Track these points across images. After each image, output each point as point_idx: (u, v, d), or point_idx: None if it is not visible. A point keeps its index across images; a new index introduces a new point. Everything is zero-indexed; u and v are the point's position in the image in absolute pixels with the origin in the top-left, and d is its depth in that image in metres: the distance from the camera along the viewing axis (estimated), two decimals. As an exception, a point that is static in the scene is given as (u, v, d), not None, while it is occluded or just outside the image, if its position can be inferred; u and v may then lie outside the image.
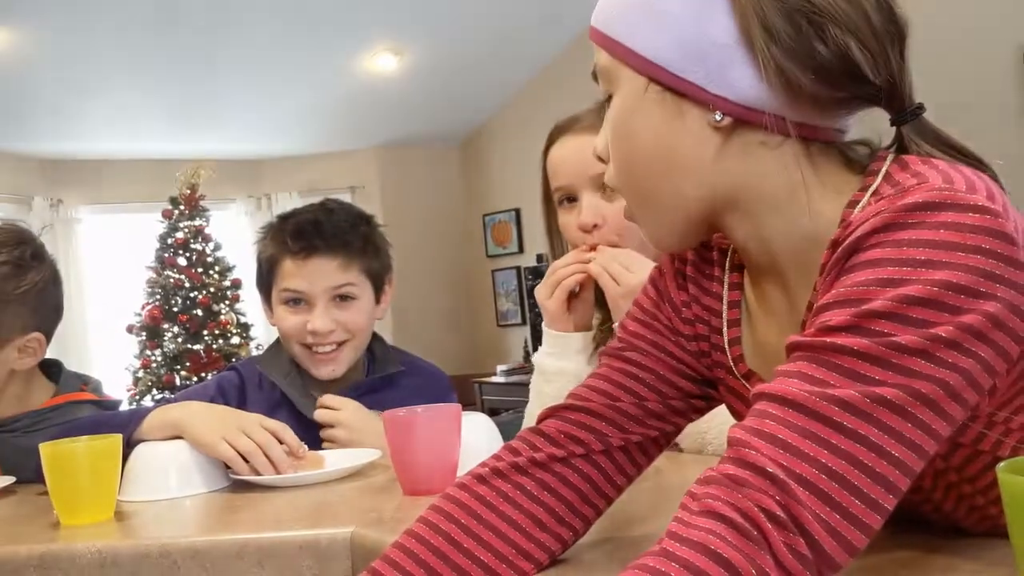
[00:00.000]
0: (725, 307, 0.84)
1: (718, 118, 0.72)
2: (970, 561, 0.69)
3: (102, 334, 6.37)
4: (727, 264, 0.84)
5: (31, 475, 1.30)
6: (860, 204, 0.69)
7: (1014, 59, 3.64)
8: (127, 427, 1.30)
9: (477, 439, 1.26)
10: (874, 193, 0.69)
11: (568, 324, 1.44)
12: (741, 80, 0.71)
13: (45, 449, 1.15)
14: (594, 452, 0.81)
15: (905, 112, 0.72)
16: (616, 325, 1.34)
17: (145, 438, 1.32)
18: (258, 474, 1.28)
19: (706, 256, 0.86)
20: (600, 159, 0.82)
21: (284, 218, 1.69)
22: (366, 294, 1.67)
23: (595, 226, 1.40)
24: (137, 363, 5.86)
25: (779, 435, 0.58)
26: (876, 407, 0.58)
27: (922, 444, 0.58)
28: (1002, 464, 0.56)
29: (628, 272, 1.32)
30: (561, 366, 1.44)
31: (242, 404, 1.61)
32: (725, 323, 0.83)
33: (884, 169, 0.70)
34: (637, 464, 0.84)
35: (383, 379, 1.69)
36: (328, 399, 1.54)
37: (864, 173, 0.72)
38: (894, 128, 0.73)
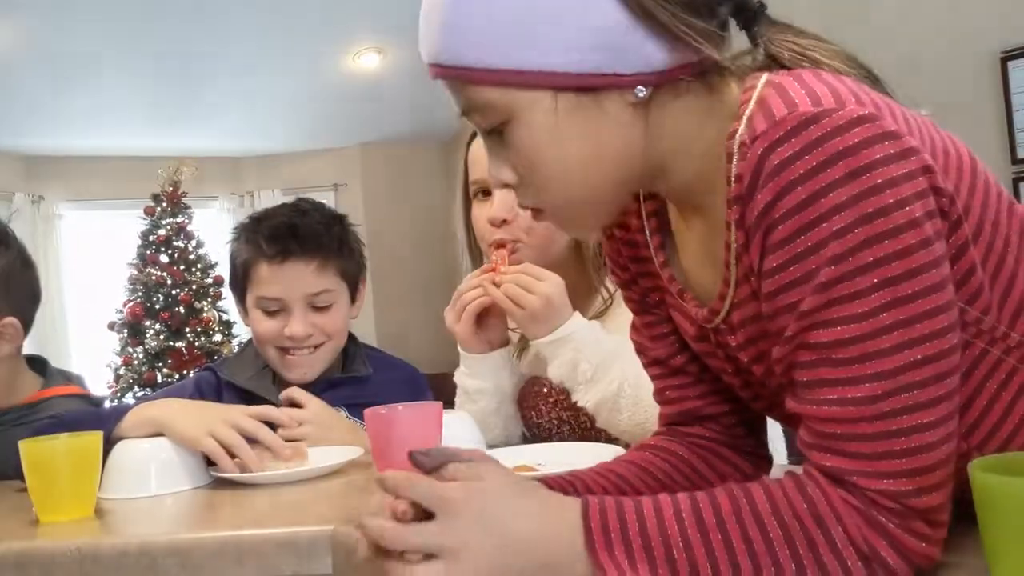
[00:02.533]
0: (648, 233, 0.87)
1: (640, 94, 0.71)
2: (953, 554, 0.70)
3: (83, 331, 6.33)
4: (641, 197, 0.88)
5: (17, 470, 1.30)
6: (738, 133, 0.70)
7: (992, 64, 3.67)
8: (107, 424, 1.30)
9: (458, 437, 1.26)
10: (748, 120, 0.69)
11: (481, 345, 1.45)
12: (648, 49, 0.71)
13: (24, 446, 1.15)
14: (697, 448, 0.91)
15: (752, 11, 0.75)
16: (533, 341, 1.36)
17: (125, 436, 1.32)
18: (243, 470, 1.28)
19: (626, 214, 0.90)
20: (508, 185, 0.77)
21: (257, 220, 1.67)
22: (342, 297, 1.66)
23: (504, 221, 1.41)
24: (118, 360, 5.82)
25: (850, 450, 0.64)
26: (904, 374, 0.62)
27: (952, 366, 0.64)
28: (975, 461, 0.57)
29: (528, 294, 1.31)
30: (480, 385, 1.46)
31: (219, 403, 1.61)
32: (653, 251, 0.87)
33: (756, 95, 0.70)
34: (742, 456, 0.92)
35: (355, 378, 1.69)
36: (295, 392, 1.51)
37: (742, 90, 0.73)
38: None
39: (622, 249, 0.92)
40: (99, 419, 1.33)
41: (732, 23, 0.76)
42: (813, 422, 0.66)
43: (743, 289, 0.75)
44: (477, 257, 1.53)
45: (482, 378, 1.46)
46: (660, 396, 0.94)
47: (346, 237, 1.69)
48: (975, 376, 0.71)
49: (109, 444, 1.28)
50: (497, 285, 1.35)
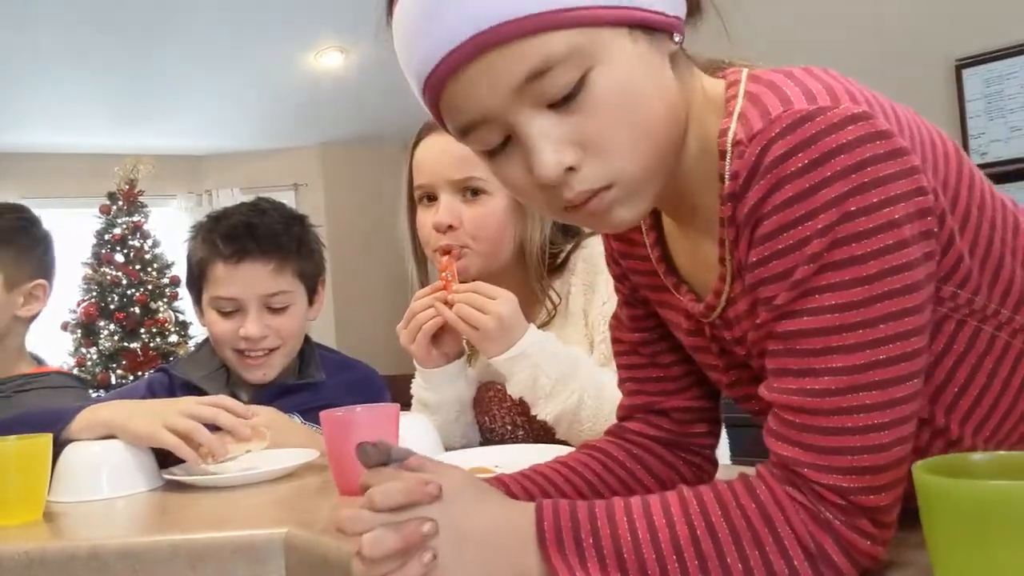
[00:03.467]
0: (644, 230, 0.87)
1: (677, 39, 0.71)
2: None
3: (36, 331, 6.19)
4: None
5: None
6: (730, 130, 0.69)
7: (947, 72, 3.74)
8: (55, 426, 1.28)
9: (415, 439, 1.26)
10: (740, 117, 0.69)
11: (438, 360, 1.44)
12: None
13: (-29, 449, 1.13)
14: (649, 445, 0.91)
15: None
16: (490, 360, 1.35)
17: (75, 438, 1.30)
18: (207, 459, 1.27)
19: None
20: (570, 169, 0.68)
21: (215, 219, 1.66)
22: (300, 299, 1.65)
23: (450, 227, 1.40)
24: (72, 361, 5.72)
25: (805, 441, 0.65)
26: (863, 373, 0.63)
27: (913, 369, 0.64)
28: (918, 463, 0.58)
29: (481, 315, 1.30)
30: (439, 399, 1.46)
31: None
32: (649, 247, 0.86)
33: (742, 88, 0.70)
34: (692, 459, 0.92)
35: (309, 384, 1.68)
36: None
37: (724, 82, 0.73)
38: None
39: (614, 244, 0.92)
40: (46, 421, 1.31)
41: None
42: (777, 409, 0.67)
43: (738, 284, 0.75)
44: (422, 262, 1.51)
45: (440, 391, 1.45)
46: (621, 386, 0.95)
47: (305, 237, 1.68)
48: (972, 354, 0.72)
49: (59, 446, 1.26)
50: (449, 304, 1.33)
